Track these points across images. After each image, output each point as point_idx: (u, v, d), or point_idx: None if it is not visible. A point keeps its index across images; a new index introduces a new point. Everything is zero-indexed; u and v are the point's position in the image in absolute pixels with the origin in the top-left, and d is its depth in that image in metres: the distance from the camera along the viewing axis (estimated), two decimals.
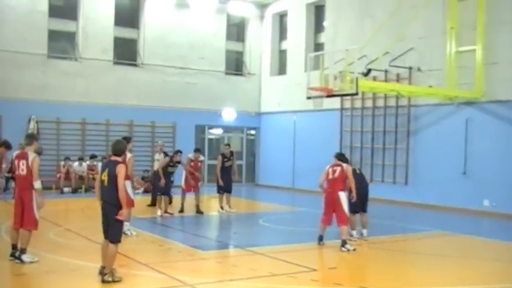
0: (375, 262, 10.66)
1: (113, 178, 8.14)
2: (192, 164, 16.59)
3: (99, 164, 22.13)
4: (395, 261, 10.85)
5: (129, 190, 12.28)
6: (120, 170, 8.15)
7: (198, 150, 17.18)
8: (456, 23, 17.90)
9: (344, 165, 11.60)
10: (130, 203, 12.23)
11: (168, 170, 15.72)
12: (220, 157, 17.03)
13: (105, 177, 8.24)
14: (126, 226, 12.10)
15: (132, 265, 9.53)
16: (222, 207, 16.84)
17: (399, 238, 13.28)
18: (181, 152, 16.13)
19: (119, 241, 8.38)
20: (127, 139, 12.32)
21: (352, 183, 11.52)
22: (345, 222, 11.32)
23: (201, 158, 17.03)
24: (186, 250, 10.89)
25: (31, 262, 9.34)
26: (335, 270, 9.84)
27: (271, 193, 20.34)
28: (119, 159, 8.42)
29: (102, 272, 8.32)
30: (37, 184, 9.44)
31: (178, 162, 15.96)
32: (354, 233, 12.42)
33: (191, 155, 16.79)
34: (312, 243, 11.64)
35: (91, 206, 18.06)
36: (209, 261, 10.24)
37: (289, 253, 10.96)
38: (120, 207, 8.16)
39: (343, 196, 11.37)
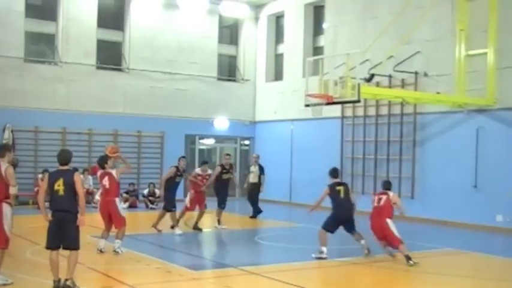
0: (378, 282, 10.59)
1: (71, 186, 8.82)
2: (199, 178, 16.25)
3: (81, 177, 22.16)
4: (401, 281, 10.80)
5: (120, 207, 12.36)
6: (77, 178, 8.90)
7: (205, 163, 16.94)
8: (466, 25, 17.94)
9: (391, 194, 12.81)
10: (122, 222, 12.25)
11: (176, 180, 15.57)
12: (219, 167, 17.00)
13: (59, 186, 8.85)
14: (117, 244, 12.03)
15: (117, 287, 9.44)
16: (219, 222, 16.81)
17: None
18: (184, 157, 16.19)
19: (78, 248, 9.02)
20: (104, 158, 12.68)
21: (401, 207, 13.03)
22: (398, 242, 12.07)
23: (209, 171, 16.69)
24: (175, 270, 10.80)
25: (4, 285, 9.22)
26: None
27: (267, 208, 20.25)
28: (70, 167, 9.13)
29: (60, 285, 8.75)
30: (13, 190, 9.45)
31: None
32: (324, 249, 12.42)
33: (199, 170, 16.59)
34: (311, 261, 11.58)
35: None
36: (201, 282, 10.15)
37: (286, 272, 10.90)
38: (76, 215, 8.83)
39: (390, 223, 12.40)
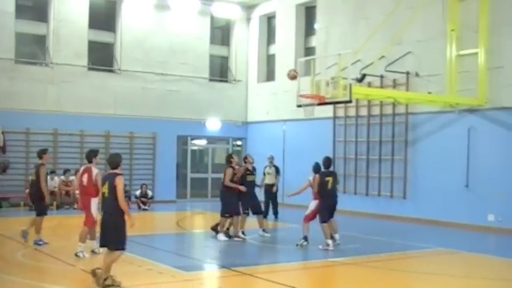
0: (371, 282, 10.59)
1: (113, 189, 9.16)
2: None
3: (73, 179, 22.10)
4: (394, 281, 10.79)
5: (94, 208, 12.08)
6: (118, 182, 9.16)
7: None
8: (457, 25, 18.00)
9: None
10: (92, 222, 12.09)
11: (247, 180, 15.10)
12: (242, 169, 15.57)
13: (105, 189, 9.28)
14: (80, 247, 11.85)
15: None
16: (243, 232, 15.12)
17: (397, 256, 13.23)
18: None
19: (123, 249, 9.34)
20: (94, 152, 12.43)
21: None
22: None
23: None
24: (167, 271, 10.78)
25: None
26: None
27: None
28: (118, 171, 9.40)
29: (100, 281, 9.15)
30: None
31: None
32: (330, 242, 13.25)
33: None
34: (302, 261, 11.59)
35: (63, 224, 17.91)
36: (193, 283, 10.14)
37: (278, 273, 10.90)
38: (119, 217, 9.17)
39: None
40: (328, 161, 14.05)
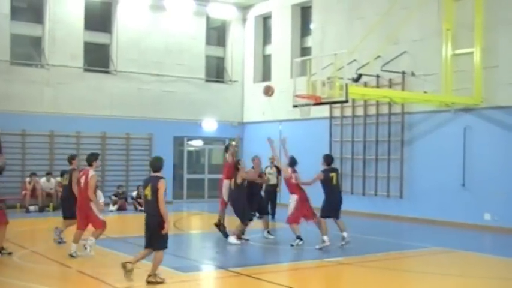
0: (368, 282, 10.60)
1: (155, 192, 9.51)
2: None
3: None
4: (390, 281, 10.80)
5: (95, 211, 12.10)
6: (161, 185, 9.52)
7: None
8: (452, 24, 18.03)
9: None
10: (101, 224, 12.13)
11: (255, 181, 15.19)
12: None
13: (148, 191, 9.61)
14: (91, 241, 11.89)
15: None
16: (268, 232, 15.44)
17: (394, 256, 13.24)
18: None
19: (165, 247, 9.87)
20: (95, 155, 12.52)
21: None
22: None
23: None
24: (164, 272, 10.73)
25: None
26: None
27: None
28: (160, 174, 9.73)
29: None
30: None
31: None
32: (326, 238, 13.26)
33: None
34: (298, 262, 11.60)
35: (59, 225, 17.85)
36: (190, 284, 10.14)
37: (276, 273, 10.90)
38: (162, 218, 9.52)
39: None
40: (330, 158, 14.27)
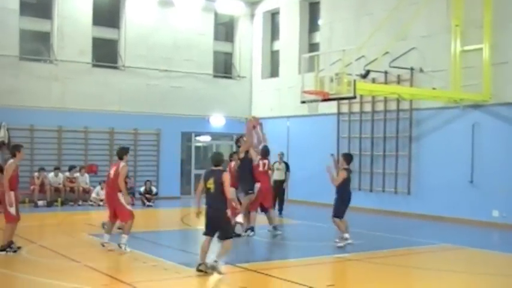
0: (375, 278, 10.59)
1: (220, 185, 9.98)
2: None
3: (78, 175, 22.18)
4: (398, 277, 10.79)
5: (123, 201, 12.27)
6: (226, 178, 10.04)
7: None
8: (461, 20, 17.95)
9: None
10: (128, 215, 12.22)
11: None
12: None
13: (210, 185, 10.08)
14: (124, 239, 12.03)
15: (114, 285, 9.44)
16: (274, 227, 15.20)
17: (401, 252, 13.23)
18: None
19: (231, 236, 10.42)
20: (125, 150, 12.85)
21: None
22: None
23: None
24: (172, 267, 10.80)
25: None
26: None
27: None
28: (221, 168, 10.27)
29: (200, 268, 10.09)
30: None
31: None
32: (348, 235, 13.10)
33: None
34: (307, 258, 11.61)
35: (67, 220, 17.98)
36: (197, 279, 10.14)
37: (283, 269, 10.91)
38: (226, 209, 10.03)
39: None
40: (350, 157, 14.08)
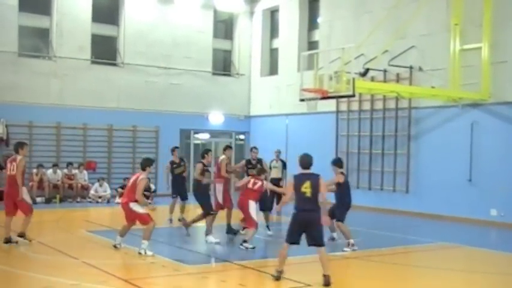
0: (373, 276, 10.60)
1: (316, 189, 9.65)
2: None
3: (77, 172, 22.16)
4: (396, 275, 10.80)
5: (136, 207, 11.79)
6: (322, 182, 9.74)
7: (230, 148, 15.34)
8: (460, 19, 17.94)
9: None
10: (147, 218, 11.83)
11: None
12: (244, 162, 16.27)
13: (306, 188, 9.66)
14: (144, 244, 11.63)
15: (112, 281, 9.43)
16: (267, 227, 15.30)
17: (400, 250, 13.26)
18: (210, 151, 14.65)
19: (324, 244, 9.92)
20: (150, 161, 12.12)
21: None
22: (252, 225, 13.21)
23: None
24: (170, 264, 10.80)
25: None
26: (331, 285, 9.79)
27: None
28: (314, 172, 9.89)
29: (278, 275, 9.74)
30: None
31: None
32: (353, 241, 12.78)
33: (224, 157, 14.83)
34: (305, 256, 11.58)
35: (66, 217, 17.97)
36: (195, 277, 10.15)
37: None
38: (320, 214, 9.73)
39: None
40: (341, 161, 13.94)
